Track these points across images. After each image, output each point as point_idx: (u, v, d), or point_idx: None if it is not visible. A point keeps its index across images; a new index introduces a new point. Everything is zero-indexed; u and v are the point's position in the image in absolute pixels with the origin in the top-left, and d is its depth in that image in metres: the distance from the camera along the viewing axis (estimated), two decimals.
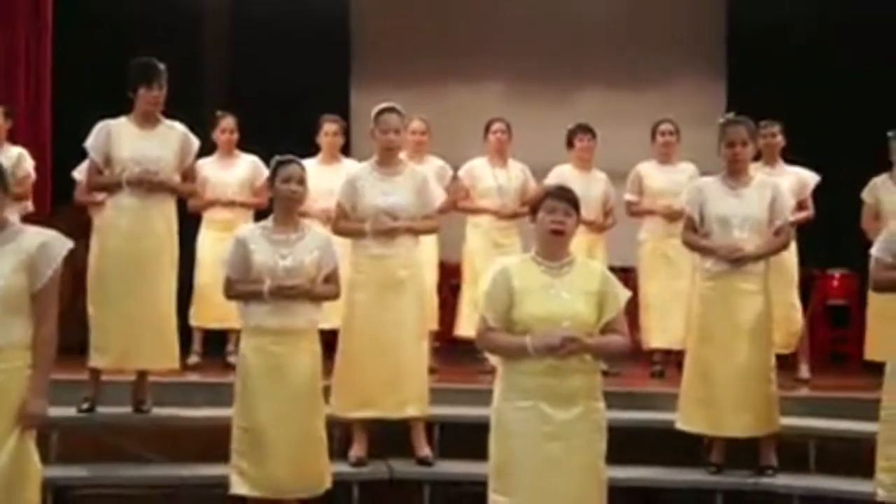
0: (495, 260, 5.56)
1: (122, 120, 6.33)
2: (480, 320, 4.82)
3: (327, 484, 5.67)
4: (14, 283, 4.49)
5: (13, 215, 5.00)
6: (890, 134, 7.27)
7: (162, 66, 6.32)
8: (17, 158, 7.29)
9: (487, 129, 8.10)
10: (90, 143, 6.32)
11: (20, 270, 4.51)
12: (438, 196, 6.46)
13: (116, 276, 6.21)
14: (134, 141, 6.27)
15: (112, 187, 6.27)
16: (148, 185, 6.22)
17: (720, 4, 10.73)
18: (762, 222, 6.13)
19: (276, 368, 5.52)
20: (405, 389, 6.12)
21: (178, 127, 6.45)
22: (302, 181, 5.62)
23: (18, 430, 4.50)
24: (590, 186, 7.73)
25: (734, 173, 6.20)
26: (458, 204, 7.99)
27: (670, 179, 7.77)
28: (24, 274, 4.52)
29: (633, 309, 6.79)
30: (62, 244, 4.65)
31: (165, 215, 6.36)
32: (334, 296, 5.74)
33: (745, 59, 10.51)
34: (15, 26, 7.93)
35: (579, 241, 7.01)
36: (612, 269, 5.25)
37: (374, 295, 6.14)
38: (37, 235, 4.69)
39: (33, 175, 7.47)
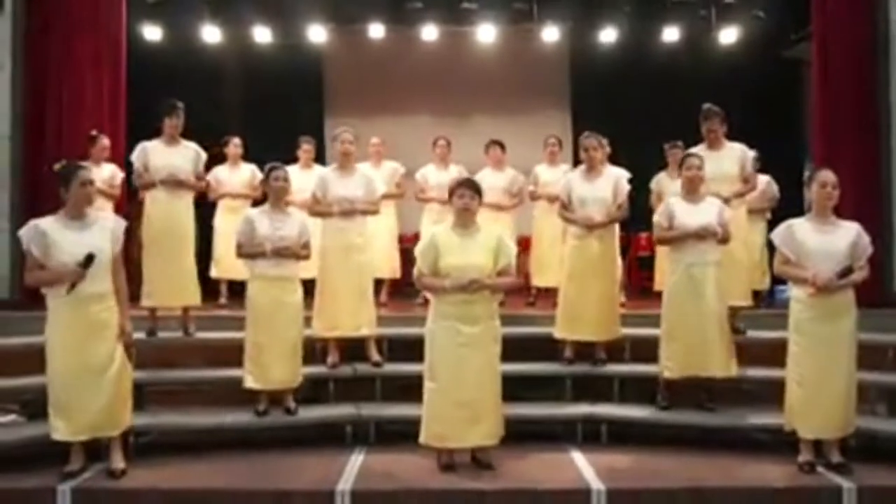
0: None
1: (155, 141, 6.28)
2: (417, 269, 4.94)
3: (300, 379, 5.73)
4: (108, 250, 4.67)
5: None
6: (665, 146, 7.41)
7: (180, 104, 6.24)
8: (112, 172, 7.11)
9: (435, 143, 7.91)
10: (134, 156, 6.31)
11: (109, 242, 4.70)
12: (379, 189, 6.38)
13: (154, 245, 6.20)
14: (163, 155, 6.24)
15: (150, 186, 6.23)
16: (174, 183, 6.20)
17: (565, 63, 10.76)
18: (608, 201, 6.13)
19: (272, 302, 5.57)
20: (360, 316, 6.11)
21: (192, 145, 6.38)
22: (287, 179, 5.72)
23: (120, 345, 4.73)
24: (498, 179, 7.62)
25: (590, 168, 6.22)
26: (416, 196, 7.93)
27: (555, 176, 7.56)
28: (110, 244, 4.70)
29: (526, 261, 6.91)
30: (122, 222, 4.87)
31: (186, 203, 6.29)
32: (308, 257, 5.79)
33: (582, 97, 10.56)
34: (101, 76, 7.62)
35: (498, 216, 7.31)
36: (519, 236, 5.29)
37: (339, 254, 6.10)
38: (108, 217, 4.88)
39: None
